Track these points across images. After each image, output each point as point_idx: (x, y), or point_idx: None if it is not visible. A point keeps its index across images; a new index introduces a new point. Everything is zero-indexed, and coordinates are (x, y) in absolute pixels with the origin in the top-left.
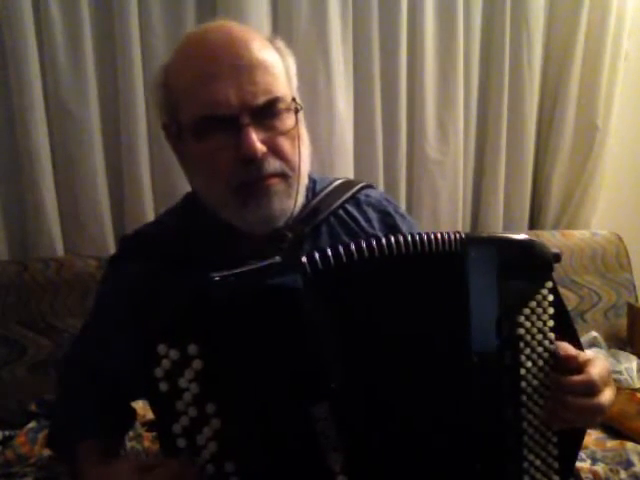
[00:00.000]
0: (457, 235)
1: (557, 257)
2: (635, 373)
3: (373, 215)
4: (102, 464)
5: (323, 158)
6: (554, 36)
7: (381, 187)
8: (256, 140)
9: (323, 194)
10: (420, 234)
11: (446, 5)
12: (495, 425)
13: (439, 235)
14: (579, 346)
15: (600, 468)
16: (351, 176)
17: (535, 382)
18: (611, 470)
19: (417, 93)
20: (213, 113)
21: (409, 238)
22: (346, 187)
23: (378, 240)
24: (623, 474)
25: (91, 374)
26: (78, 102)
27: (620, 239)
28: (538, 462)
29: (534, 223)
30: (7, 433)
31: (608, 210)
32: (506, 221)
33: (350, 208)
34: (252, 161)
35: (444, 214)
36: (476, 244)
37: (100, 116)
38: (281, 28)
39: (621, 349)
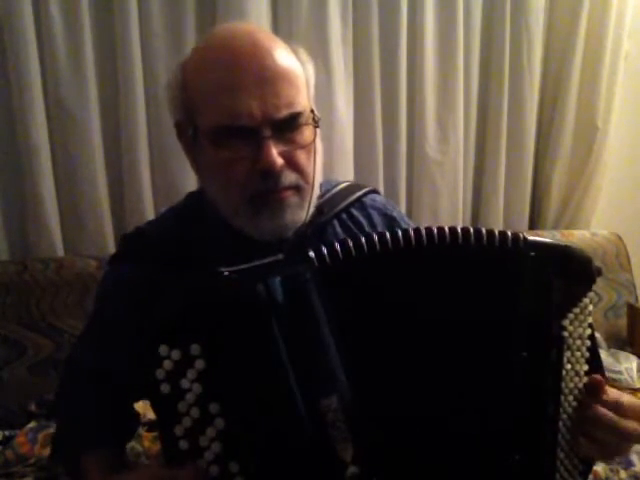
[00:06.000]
0: (520, 234)
1: (599, 271)
2: (635, 373)
3: (378, 219)
4: (109, 476)
5: (323, 158)
6: (554, 36)
7: (381, 187)
8: (276, 154)
9: (327, 196)
10: (480, 229)
11: (446, 5)
12: (536, 420)
13: (496, 231)
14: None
15: (600, 468)
16: (351, 176)
17: (571, 384)
18: (611, 470)
19: (417, 93)
20: (234, 124)
21: (472, 231)
22: (351, 190)
23: (416, 231)
24: (623, 474)
25: (93, 379)
26: (78, 102)
27: (620, 239)
28: (567, 461)
29: (534, 223)
30: (7, 433)
31: (608, 210)
32: (506, 221)
33: (355, 212)
34: (270, 174)
35: (444, 214)
36: (537, 245)
37: (100, 116)
38: (281, 28)
39: (621, 349)
